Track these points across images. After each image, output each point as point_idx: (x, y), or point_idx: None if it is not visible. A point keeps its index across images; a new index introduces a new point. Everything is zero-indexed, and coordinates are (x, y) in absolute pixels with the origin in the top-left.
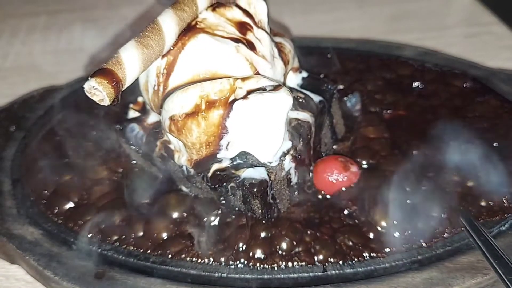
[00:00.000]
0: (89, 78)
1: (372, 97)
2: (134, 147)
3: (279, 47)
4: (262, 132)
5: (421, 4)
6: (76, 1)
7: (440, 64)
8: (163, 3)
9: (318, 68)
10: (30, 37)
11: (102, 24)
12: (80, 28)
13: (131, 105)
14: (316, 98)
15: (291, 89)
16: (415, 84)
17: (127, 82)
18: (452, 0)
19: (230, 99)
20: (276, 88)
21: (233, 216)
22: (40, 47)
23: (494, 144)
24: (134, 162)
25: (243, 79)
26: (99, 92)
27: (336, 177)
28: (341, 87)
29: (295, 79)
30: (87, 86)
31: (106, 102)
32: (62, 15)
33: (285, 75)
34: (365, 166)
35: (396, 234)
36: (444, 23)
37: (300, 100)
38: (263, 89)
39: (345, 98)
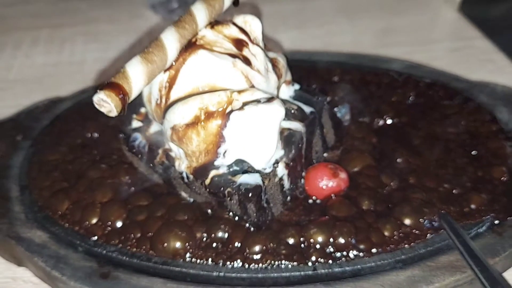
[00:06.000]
0: (98, 91)
1: (361, 108)
2: (137, 155)
3: (273, 62)
4: (256, 141)
5: (409, 19)
6: (78, 14)
7: (425, 76)
8: (162, 14)
9: (310, 80)
10: (33, 49)
11: (102, 38)
12: (81, 41)
13: (134, 116)
14: (307, 109)
15: (284, 101)
16: (402, 96)
17: (133, 94)
18: (439, 16)
19: (227, 110)
20: (269, 100)
21: (230, 219)
22: (43, 59)
23: (472, 153)
24: (137, 169)
25: (239, 91)
26: (107, 104)
27: (325, 183)
28: (328, 99)
29: (287, 91)
30: (96, 98)
31: (114, 113)
32: (64, 28)
33: (278, 88)
34: (355, 170)
35: (382, 235)
36: (431, 37)
37: (292, 111)
38: (257, 101)
39: (335, 109)
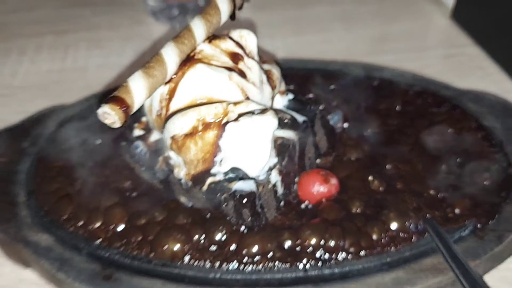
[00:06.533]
0: (102, 105)
1: (354, 115)
2: (138, 162)
3: (268, 74)
4: (251, 150)
5: (403, 26)
6: (80, 21)
7: (415, 84)
8: (163, 21)
9: (304, 88)
10: (38, 56)
11: (105, 44)
12: (84, 47)
13: (136, 124)
14: (300, 118)
15: (278, 110)
16: (392, 103)
17: (135, 107)
18: (431, 23)
19: (223, 122)
20: (263, 111)
21: (226, 223)
22: (47, 66)
23: (458, 159)
24: (139, 175)
25: (235, 103)
26: (111, 116)
27: (317, 188)
28: (321, 107)
29: (281, 101)
30: (100, 111)
31: (117, 125)
32: (67, 34)
33: (272, 98)
34: (346, 176)
35: (370, 239)
36: (423, 44)
37: (286, 121)
38: (252, 113)
39: (328, 116)
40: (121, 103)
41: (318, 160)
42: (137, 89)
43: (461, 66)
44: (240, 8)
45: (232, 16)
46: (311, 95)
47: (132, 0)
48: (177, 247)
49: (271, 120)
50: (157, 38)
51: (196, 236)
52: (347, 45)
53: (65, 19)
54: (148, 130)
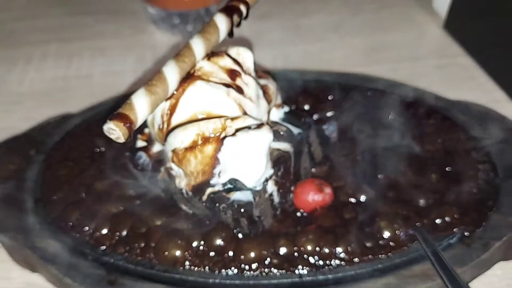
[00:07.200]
0: (108, 121)
1: (348, 126)
2: (141, 172)
3: (264, 89)
4: (247, 163)
5: (397, 36)
6: (84, 29)
7: (407, 95)
8: (164, 29)
9: (300, 99)
10: (43, 64)
11: (108, 52)
12: (88, 55)
13: (139, 136)
14: (295, 130)
15: (274, 123)
16: (384, 113)
17: (138, 123)
18: (425, 33)
19: (222, 136)
20: (259, 126)
21: (225, 231)
22: (53, 73)
23: (447, 169)
24: (142, 184)
25: (233, 119)
26: (116, 132)
27: (312, 197)
28: (316, 117)
29: (277, 114)
30: (106, 127)
31: (122, 140)
32: (71, 43)
33: (269, 112)
34: (340, 185)
35: (362, 246)
36: (417, 54)
37: (282, 133)
38: (248, 127)
39: (323, 126)
40: (125, 119)
41: (313, 169)
42: (140, 106)
43: (453, 76)
44: (238, 25)
45: (230, 33)
46: (306, 107)
47: (134, 8)
48: (178, 253)
49: (266, 135)
50: (159, 46)
51: (196, 243)
52: (342, 55)
53: (69, 27)
54: (150, 141)
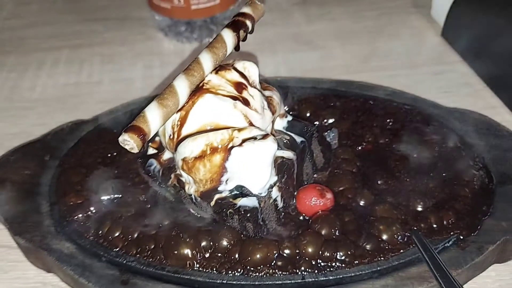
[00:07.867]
0: (123, 133)
1: (348, 133)
2: (152, 178)
3: (268, 100)
4: (253, 171)
5: (396, 43)
6: (95, 36)
7: (405, 103)
8: (171, 37)
9: (303, 108)
10: (55, 70)
11: (117, 59)
12: (98, 62)
13: (150, 144)
14: (298, 139)
15: (278, 132)
16: (383, 121)
17: (151, 134)
18: (423, 41)
19: (229, 146)
20: (264, 136)
21: (231, 235)
22: (64, 79)
23: (443, 175)
24: (153, 189)
25: (239, 130)
26: (130, 143)
27: (314, 202)
28: (317, 123)
29: (281, 123)
30: (121, 139)
31: (135, 150)
32: (82, 49)
33: (273, 122)
34: (340, 190)
35: (361, 248)
36: (415, 61)
37: (285, 141)
38: (254, 138)
39: (325, 133)
40: (139, 131)
41: (315, 175)
42: (153, 118)
43: (450, 82)
44: (244, 39)
45: (237, 47)
46: (308, 114)
47: (142, 15)
48: (187, 254)
49: (271, 145)
50: (166, 53)
51: (205, 244)
52: (342, 62)
53: (79, 34)
54: (161, 149)
